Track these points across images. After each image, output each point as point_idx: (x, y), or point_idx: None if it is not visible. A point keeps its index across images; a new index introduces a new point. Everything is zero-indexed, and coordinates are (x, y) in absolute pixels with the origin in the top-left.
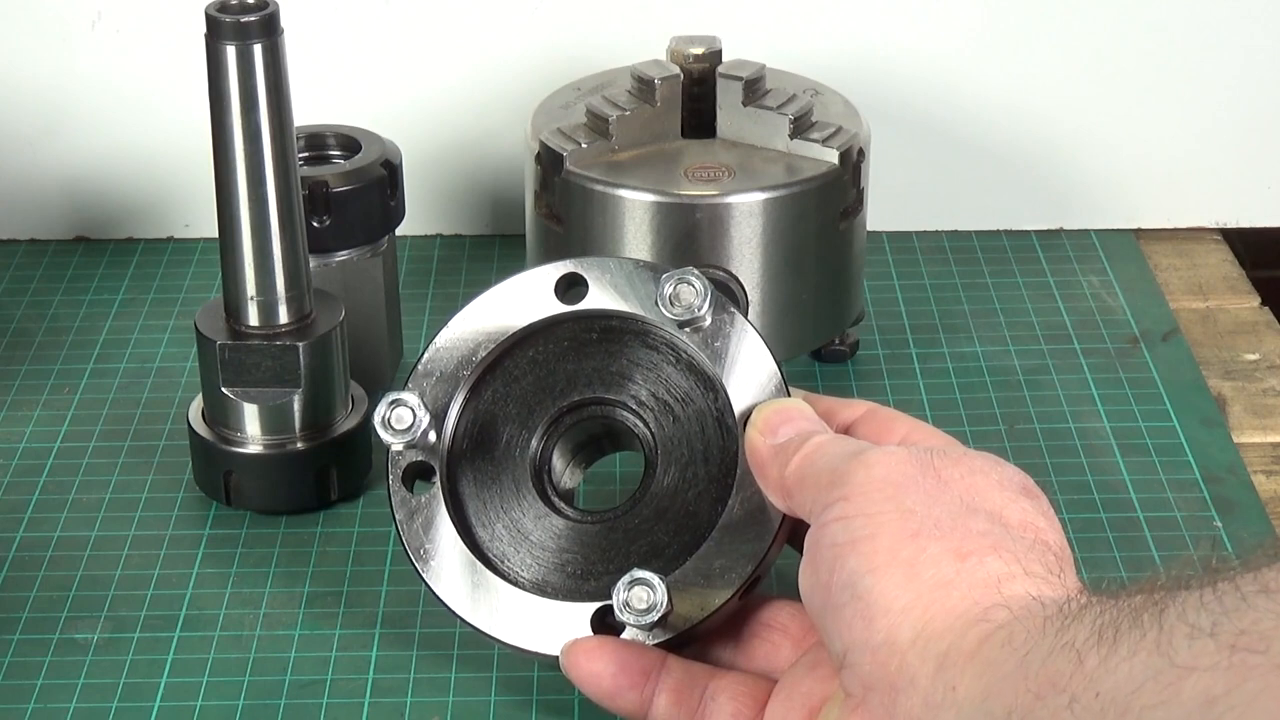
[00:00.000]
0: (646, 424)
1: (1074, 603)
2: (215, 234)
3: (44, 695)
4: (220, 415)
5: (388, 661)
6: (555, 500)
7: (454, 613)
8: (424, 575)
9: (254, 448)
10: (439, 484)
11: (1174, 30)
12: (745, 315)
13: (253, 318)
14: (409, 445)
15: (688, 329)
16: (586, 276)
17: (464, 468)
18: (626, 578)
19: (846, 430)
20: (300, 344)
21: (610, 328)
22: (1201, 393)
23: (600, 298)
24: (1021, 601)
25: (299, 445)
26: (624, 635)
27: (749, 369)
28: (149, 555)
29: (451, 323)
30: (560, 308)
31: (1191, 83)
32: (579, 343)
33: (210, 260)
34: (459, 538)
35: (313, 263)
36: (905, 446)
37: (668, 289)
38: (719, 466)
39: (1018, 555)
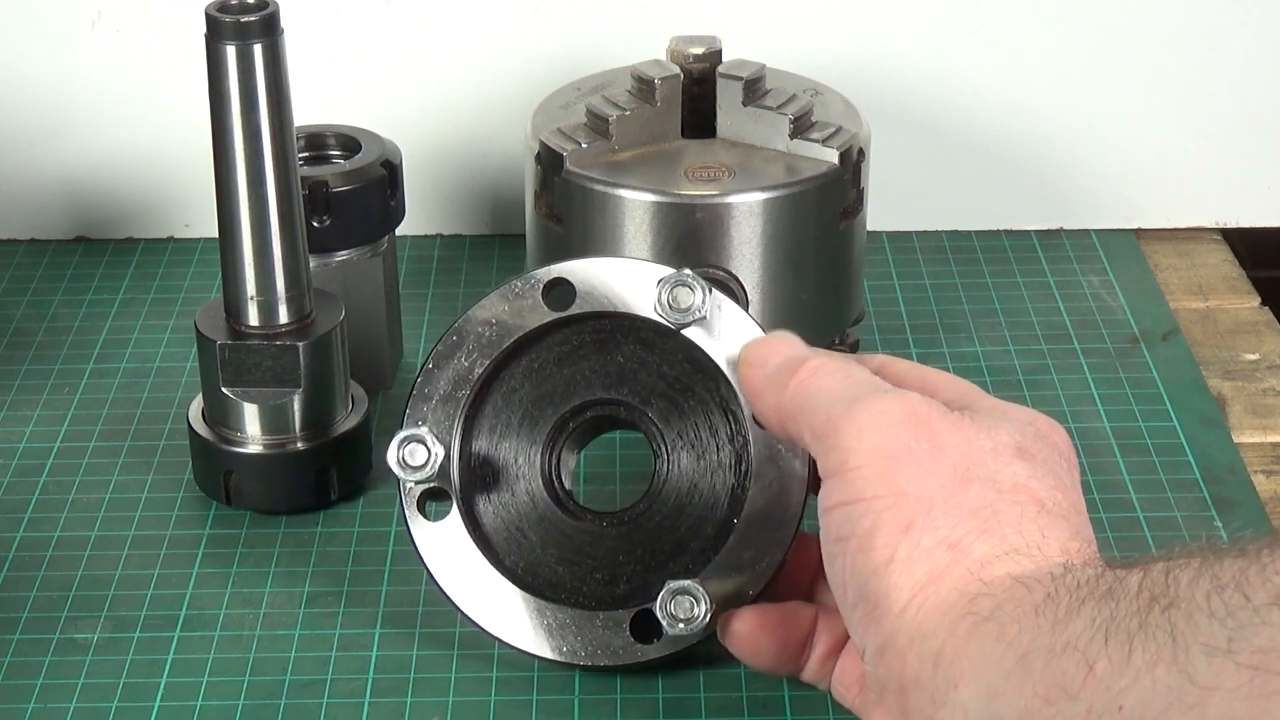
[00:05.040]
0: (652, 420)
1: (1062, 587)
2: (215, 234)
3: (44, 695)
4: (220, 415)
5: (388, 661)
6: (572, 507)
7: (497, 639)
8: (461, 607)
9: (254, 448)
10: (455, 510)
11: (1174, 30)
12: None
13: (253, 318)
14: (429, 480)
15: (686, 329)
16: (573, 280)
17: (476, 489)
18: (668, 589)
19: None
20: (300, 344)
21: (603, 329)
22: (1201, 393)
23: (589, 300)
24: (1003, 585)
25: (299, 445)
26: (659, 643)
27: (734, 345)
28: (149, 555)
29: (441, 344)
30: (549, 314)
31: (1191, 83)
32: (573, 347)
33: (210, 260)
34: (486, 562)
35: (313, 263)
36: (902, 398)
37: (665, 294)
38: (730, 455)
39: (1004, 531)
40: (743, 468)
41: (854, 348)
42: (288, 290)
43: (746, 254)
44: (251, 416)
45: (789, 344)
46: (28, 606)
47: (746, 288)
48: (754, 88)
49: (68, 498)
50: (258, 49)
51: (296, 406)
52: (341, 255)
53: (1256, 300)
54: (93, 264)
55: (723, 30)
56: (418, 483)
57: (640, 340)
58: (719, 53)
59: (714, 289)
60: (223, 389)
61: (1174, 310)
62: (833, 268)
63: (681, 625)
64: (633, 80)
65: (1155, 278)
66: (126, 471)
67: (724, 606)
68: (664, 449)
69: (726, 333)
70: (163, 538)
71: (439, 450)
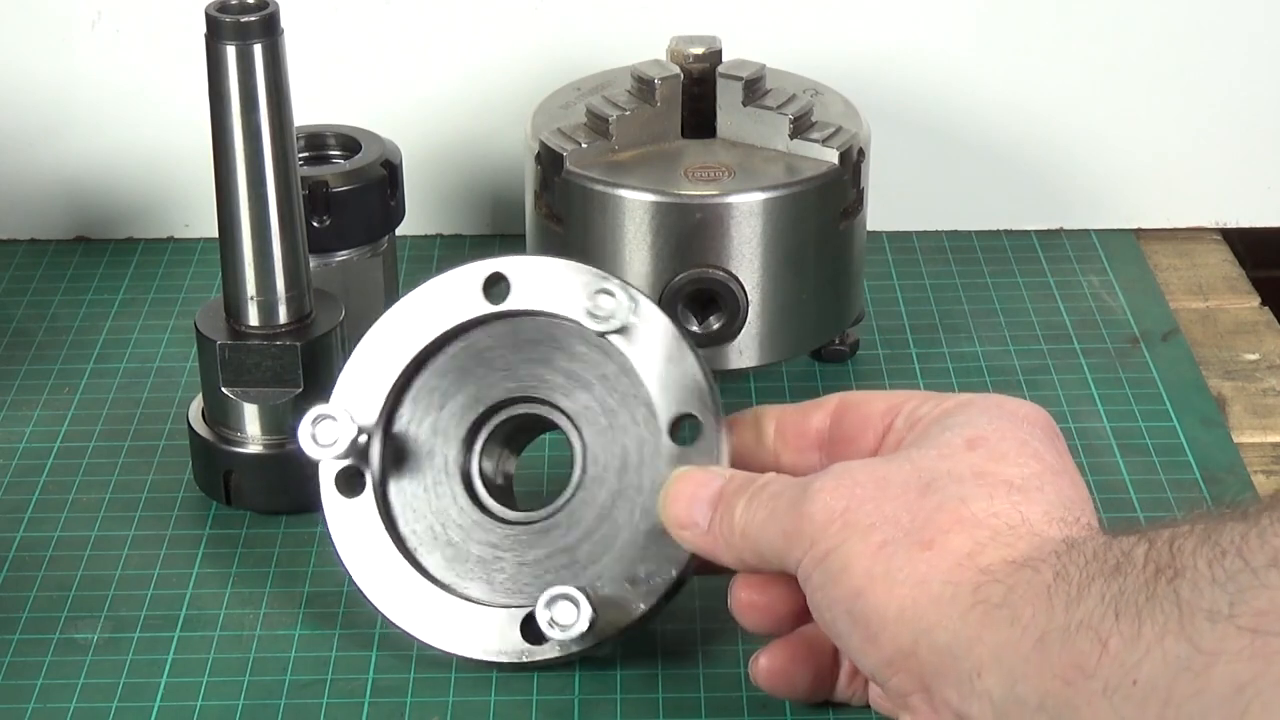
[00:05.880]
0: (572, 421)
1: (1070, 565)
2: (215, 234)
3: (44, 695)
4: (220, 415)
5: (388, 661)
6: (485, 502)
7: (384, 615)
8: (359, 583)
9: (254, 448)
10: (370, 492)
11: (1174, 30)
12: (741, 317)
13: (253, 318)
14: (338, 458)
15: (611, 336)
16: (510, 275)
17: (393, 474)
18: (549, 593)
19: (828, 439)
20: (300, 344)
21: (533, 327)
22: (1201, 393)
23: (524, 298)
24: (1006, 571)
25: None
26: (547, 645)
27: (669, 368)
28: (149, 555)
29: (374, 328)
30: (485, 307)
31: (1191, 83)
32: (503, 343)
33: (210, 260)
34: (393, 545)
35: (313, 263)
36: (827, 474)
37: (588, 299)
38: (637, 471)
39: (978, 518)
40: (652, 483)
41: (854, 348)
42: (288, 290)
43: (746, 254)
44: (251, 416)
45: (698, 485)
46: (28, 606)
47: (746, 288)
48: (754, 88)
49: (68, 498)
50: (258, 49)
51: (297, 406)
52: (341, 255)
53: (1256, 300)
54: (93, 264)
55: (723, 30)
56: (332, 459)
57: (568, 345)
58: (719, 53)
59: (641, 298)
60: (223, 389)
61: (1174, 310)
62: (833, 268)
63: (559, 630)
64: (633, 80)
65: (1155, 278)
66: (126, 471)
67: (610, 617)
68: (583, 454)
69: (650, 343)
70: (163, 538)
71: (350, 429)
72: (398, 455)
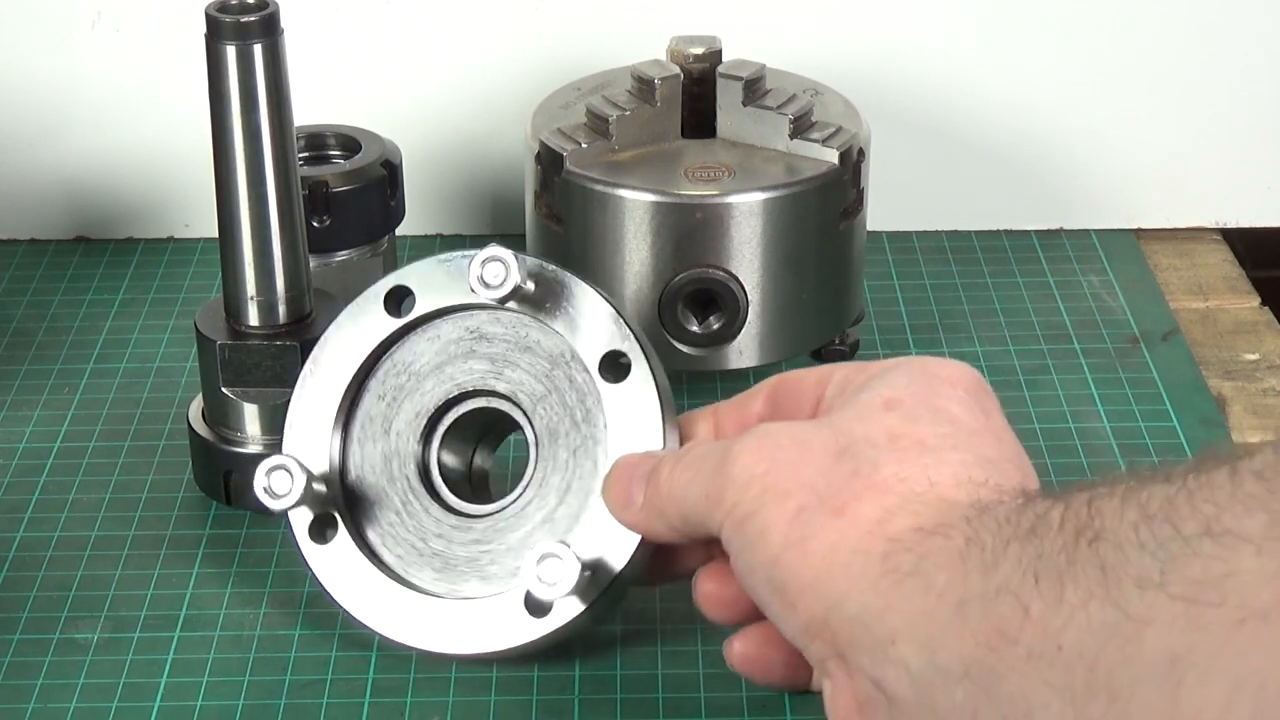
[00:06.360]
0: (512, 400)
1: (982, 530)
2: (215, 234)
3: (44, 695)
4: (220, 415)
5: (388, 661)
6: (457, 505)
7: (396, 641)
8: (360, 619)
9: (254, 448)
10: (344, 534)
11: (1174, 30)
12: (741, 317)
13: (253, 318)
14: (296, 505)
15: (513, 301)
16: (408, 284)
17: (362, 509)
18: (534, 555)
19: (766, 420)
20: (300, 344)
21: (449, 326)
22: (1201, 393)
23: (428, 301)
24: (915, 539)
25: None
26: (550, 615)
27: (589, 316)
28: (149, 555)
29: (303, 374)
30: (394, 323)
31: (1191, 83)
32: (424, 351)
33: (210, 260)
34: (382, 575)
35: (313, 263)
36: (752, 434)
37: (476, 271)
38: (588, 421)
39: (888, 483)
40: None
41: (854, 348)
42: (288, 290)
43: (746, 254)
44: (251, 416)
45: (632, 467)
46: (28, 606)
47: (746, 288)
48: (754, 88)
49: (68, 498)
50: (258, 49)
51: None
52: (341, 255)
53: (1256, 300)
54: (93, 264)
55: (723, 30)
56: (292, 509)
57: (483, 329)
58: (719, 53)
59: (526, 258)
60: (223, 389)
61: (1174, 310)
62: (833, 268)
63: (550, 588)
64: (633, 80)
65: (1155, 278)
66: (126, 471)
67: (601, 573)
68: (531, 426)
69: (553, 296)
70: (163, 538)
71: (301, 476)
72: (359, 490)
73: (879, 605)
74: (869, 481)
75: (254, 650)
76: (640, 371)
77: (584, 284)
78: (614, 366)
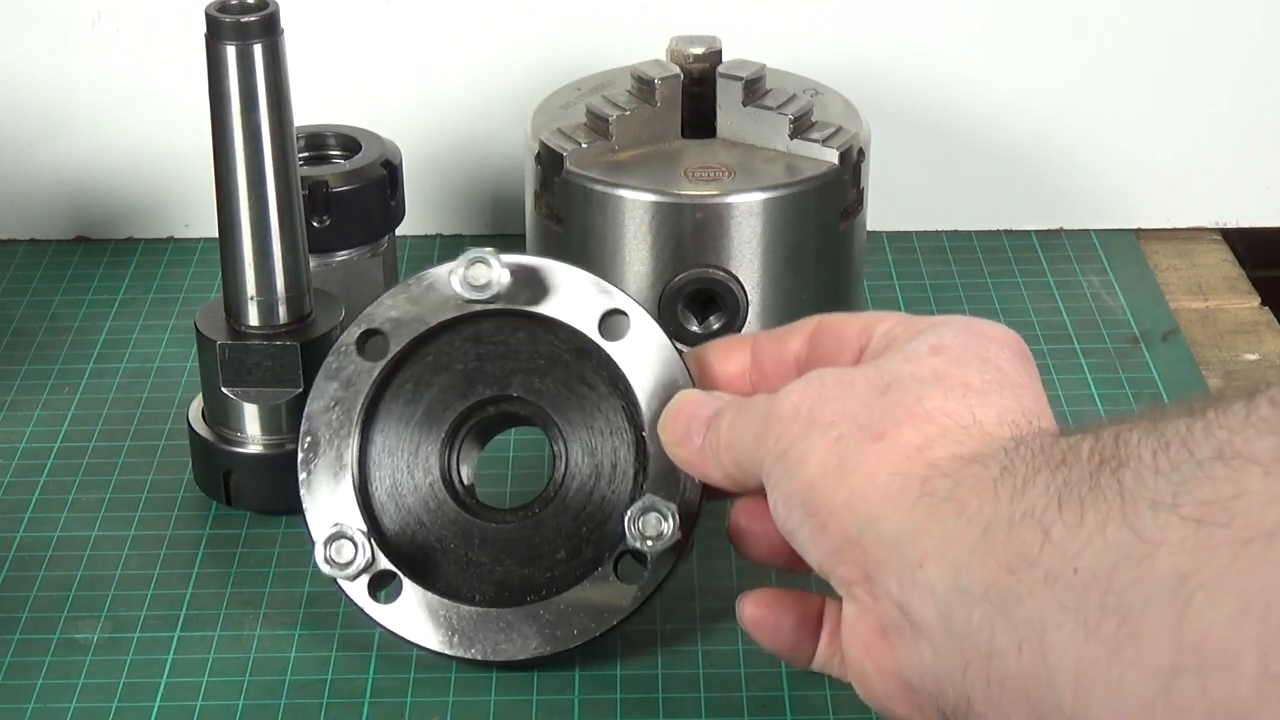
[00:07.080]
0: (530, 400)
1: (1017, 459)
2: (215, 234)
3: (44, 695)
4: (220, 415)
5: (387, 661)
6: (494, 515)
7: (495, 664)
8: (440, 651)
9: (254, 448)
10: (408, 586)
11: (1174, 30)
12: (741, 317)
13: (253, 318)
14: (363, 572)
15: (500, 300)
16: (376, 324)
17: (413, 559)
18: (636, 507)
19: (805, 362)
20: (300, 344)
21: (431, 350)
22: (1202, 393)
23: (402, 334)
24: (953, 465)
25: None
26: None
27: (572, 289)
28: (149, 555)
29: (301, 443)
30: (372, 366)
31: (1191, 83)
32: (411, 392)
33: (210, 260)
34: (459, 606)
35: (313, 263)
36: (805, 378)
37: (461, 272)
38: (614, 407)
39: (931, 414)
40: (635, 417)
41: None
42: (288, 290)
43: (746, 254)
44: (251, 416)
45: (696, 405)
46: (28, 606)
47: (746, 288)
48: (754, 88)
49: (68, 498)
50: (258, 49)
51: (296, 406)
52: (341, 255)
53: (1256, 300)
54: (93, 264)
55: (723, 30)
56: (354, 576)
57: (477, 335)
58: (719, 53)
59: (506, 254)
60: (223, 389)
61: (1174, 310)
62: (833, 268)
63: (652, 543)
64: (633, 80)
65: (1155, 278)
66: (126, 471)
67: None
68: (555, 425)
69: (554, 287)
70: (163, 538)
71: (364, 543)
72: (405, 537)
73: (912, 528)
74: (910, 411)
75: (254, 650)
76: (639, 321)
77: (555, 262)
78: (613, 326)
